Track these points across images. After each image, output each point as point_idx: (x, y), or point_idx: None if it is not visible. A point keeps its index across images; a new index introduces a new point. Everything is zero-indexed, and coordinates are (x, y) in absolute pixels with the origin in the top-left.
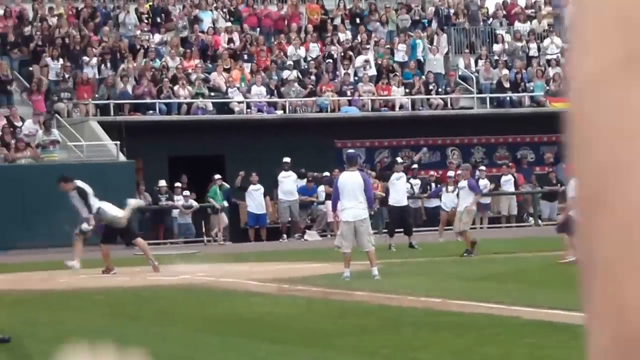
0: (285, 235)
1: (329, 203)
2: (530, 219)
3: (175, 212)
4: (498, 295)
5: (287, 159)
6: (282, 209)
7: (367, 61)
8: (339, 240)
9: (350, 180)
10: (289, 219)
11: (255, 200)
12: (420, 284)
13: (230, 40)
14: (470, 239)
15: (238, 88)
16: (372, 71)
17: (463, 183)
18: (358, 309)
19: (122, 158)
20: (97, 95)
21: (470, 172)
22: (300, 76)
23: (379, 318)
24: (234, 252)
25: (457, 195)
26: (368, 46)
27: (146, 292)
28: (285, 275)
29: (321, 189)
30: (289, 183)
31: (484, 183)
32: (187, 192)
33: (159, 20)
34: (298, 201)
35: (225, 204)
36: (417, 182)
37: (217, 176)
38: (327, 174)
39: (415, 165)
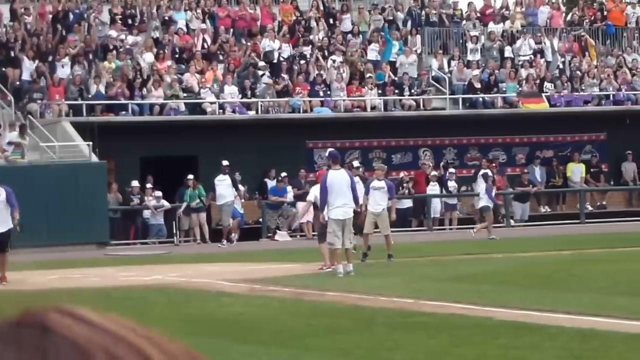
0: (224, 240)
1: (300, 204)
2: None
3: (146, 213)
4: (471, 296)
5: (225, 162)
6: (220, 212)
7: (340, 62)
8: (332, 238)
9: (338, 179)
10: (228, 223)
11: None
12: (393, 284)
13: (204, 41)
14: (368, 242)
15: (210, 89)
16: (345, 72)
17: (379, 183)
18: (331, 310)
19: (94, 159)
20: (69, 96)
21: (385, 172)
22: (273, 77)
23: (352, 318)
24: (205, 253)
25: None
26: (342, 47)
27: (117, 293)
28: (257, 275)
29: (289, 189)
30: (223, 187)
31: (452, 185)
32: (158, 193)
33: (131, 21)
34: (231, 205)
35: (201, 204)
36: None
37: (190, 177)
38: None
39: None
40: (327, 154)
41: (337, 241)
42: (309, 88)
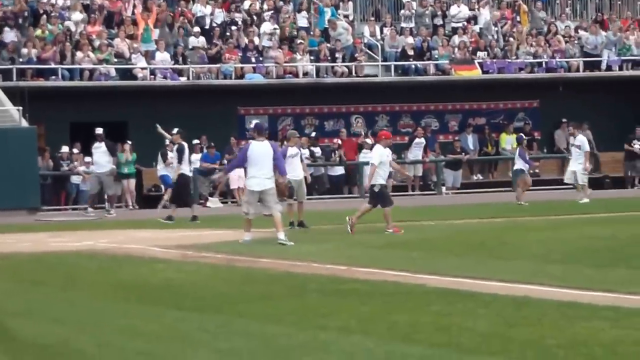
0: (90, 209)
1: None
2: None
3: (76, 179)
4: (403, 263)
5: (99, 130)
6: (100, 182)
7: (272, 28)
8: (246, 207)
9: (260, 150)
10: (96, 191)
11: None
12: (326, 251)
13: (134, 7)
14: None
15: (141, 53)
16: (277, 38)
17: (293, 150)
18: (263, 276)
19: (24, 124)
20: (1, 62)
21: (300, 140)
22: (205, 43)
23: (285, 285)
24: (137, 219)
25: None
26: (273, 12)
27: (49, 258)
28: (188, 242)
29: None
30: (99, 155)
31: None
32: (88, 158)
33: None
34: (110, 174)
35: (133, 170)
36: (317, 150)
37: (128, 142)
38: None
39: (313, 134)
40: (252, 125)
41: (247, 210)
42: (240, 54)
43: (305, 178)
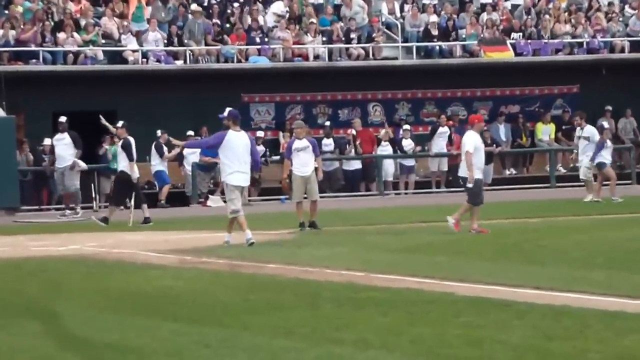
0: (67, 211)
1: None
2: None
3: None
4: (428, 269)
5: (62, 119)
6: (61, 177)
7: (284, 10)
8: (235, 205)
9: (239, 141)
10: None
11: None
12: (340, 255)
13: None
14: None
15: (132, 33)
16: (284, 17)
17: (301, 143)
18: (271, 283)
19: (1, 113)
20: None
21: (307, 130)
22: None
23: (295, 293)
24: (127, 220)
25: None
26: None
27: (29, 264)
28: (187, 245)
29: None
30: (62, 147)
31: (408, 144)
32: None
33: None
34: (72, 169)
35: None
36: (330, 143)
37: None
38: (191, 132)
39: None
40: (226, 113)
41: (237, 207)
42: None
43: (316, 172)
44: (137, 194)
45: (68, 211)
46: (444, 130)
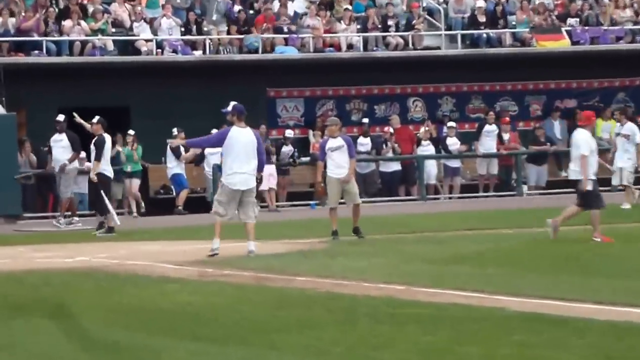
0: (61, 219)
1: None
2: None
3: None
4: (476, 282)
5: (60, 117)
6: (58, 182)
7: None
8: (222, 207)
9: (243, 139)
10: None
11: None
12: (378, 267)
13: None
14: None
15: (145, 20)
16: (314, 3)
17: (335, 142)
18: (301, 298)
19: (0, 110)
20: None
21: (340, 127)
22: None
23: (328, 309)
24: (142, 228)
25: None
26: None
27: (33, 278)
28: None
29: None
30: (59, 150)
31: (453, 142)
32: (82, 154)
33: None
34: (72, 173)
35: (138, 167)
36: (366, 142)
37: (131, 132)
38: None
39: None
40: (230, 108)
41: (223, 212)
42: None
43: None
44: (99, 198)
45: (62, 219)
46: (491, 128)
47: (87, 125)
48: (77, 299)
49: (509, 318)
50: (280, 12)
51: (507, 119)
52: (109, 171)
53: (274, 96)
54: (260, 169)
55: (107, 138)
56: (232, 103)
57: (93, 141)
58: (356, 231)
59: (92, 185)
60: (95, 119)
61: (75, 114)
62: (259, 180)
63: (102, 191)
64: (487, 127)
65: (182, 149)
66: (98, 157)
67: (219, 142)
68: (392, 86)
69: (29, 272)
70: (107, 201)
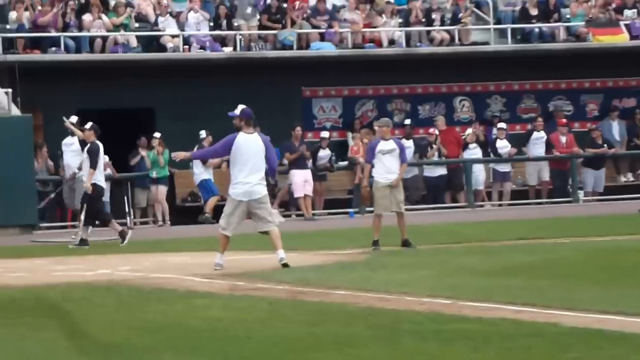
0: (79, 232)
1: (296, 173)
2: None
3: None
4: (527, 295)
5: (73, 119)
6: (68, 190)
7: None
8: (225, 220)
9: (250, 146)
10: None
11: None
12: (422, 279)
13: None
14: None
15: (171, 14)
16: None
17: (387, 145)
18: (340, 314)
19: (15, 111)
20: None
21: (392, 128)
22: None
23: (369, 325)
24: (168, 239)
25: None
26: None
27: (51, 293)
28: (238, 268)
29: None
30: (70, 155)
31: (504, 145)
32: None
33: None
34: (71, 179)
35: (165, 173)
36: (409, 145)
37: (157, 135)
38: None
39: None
40: (238, 112)
41: (228, 226)
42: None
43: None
44: (91, 209)
45: (80, 232)
46: (539, 135)
47: (78, 132)
48: (98, 315)
49: (563, 334)
50: (318, 7)
51: (564, 120)
52: (102, 182)
53: (309, 96)
54: (271, 173)
55: (100, 145)
56: (241, 106)
57: (86, 149)
58: (406, 243)
59: (86, 196)
60: (88, 125)
61: (64, 118)
62: (275, 184)
63: (87, 203)
64: (535, 135)
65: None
66: (94, 165)
67: (224, 151)
68: (437, 85)
69: (47, 286)
70: (84, 213)
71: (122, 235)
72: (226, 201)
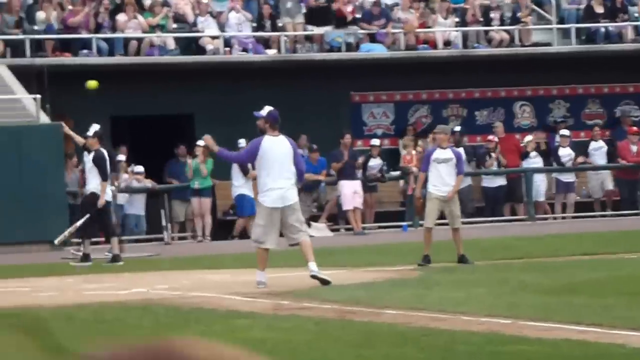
0: (113, 252)
1: (345, 184)
2: None
3: (121, 198)
4: (592, 314)
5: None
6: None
7: None
8: (260, 232)
9: (277, 149)
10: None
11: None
12: (479, 298)
13: None
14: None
15: (211, 14)
16: None
17: (443, 153)
18: (391, 334)
19: (44, 119)
20: (4, 30)
21: (450, 137)
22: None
23: (422, 347)
24: (208, 255)
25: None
26: None
27: (83, 313)
28: (283, 286)
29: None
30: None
31: (567, 153)
32: (139, 168)
33: None
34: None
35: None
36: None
37: (201, 143)
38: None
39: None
40: (265, 113)
41: (266, 238)
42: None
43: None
44: (106, 224)
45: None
46: (598, 145)
47: (80, 139)
48: (133, 337)
49: (631, 355)
50: (365, 7)
51: (635, 128)
52: (108, 194)
53: (359, 101)
54: (300, 179)
55: (106, 153)
56: (267, 108)
57: (90, 158)
58: (462, 259)
59: (96, 211)
60: (92, 132)
61: (63, 124)
62: (301, 188)
63: (97, 217)
64: (593, 145)
65: (249, 165)
66: (104, 177)
67: (250, 158)
68: (495, 89)
69: (80, 306)
70: (77, 225)
71: (116, 259)
72: (257, 211)
